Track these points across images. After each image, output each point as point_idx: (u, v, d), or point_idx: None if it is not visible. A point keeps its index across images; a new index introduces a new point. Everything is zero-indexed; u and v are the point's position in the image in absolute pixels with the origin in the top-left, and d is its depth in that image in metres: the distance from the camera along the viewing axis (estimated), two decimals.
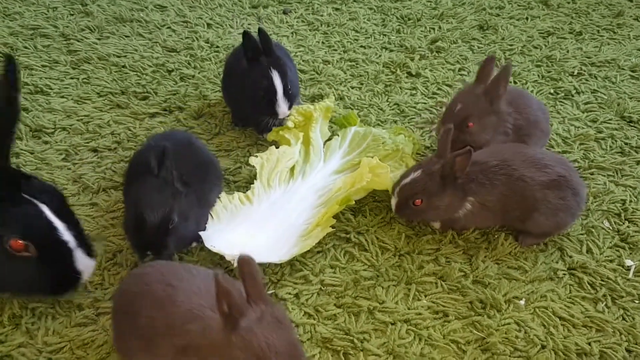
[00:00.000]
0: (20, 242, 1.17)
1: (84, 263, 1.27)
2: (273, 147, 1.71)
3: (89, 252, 1.28)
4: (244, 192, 1.59)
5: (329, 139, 1.82)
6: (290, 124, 1.80)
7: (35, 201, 1.21)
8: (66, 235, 1.23)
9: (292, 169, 1.69)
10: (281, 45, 1.97)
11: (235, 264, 1.38)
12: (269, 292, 1.39)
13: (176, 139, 1.54)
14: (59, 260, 1.23)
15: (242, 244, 1.45)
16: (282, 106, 1.72)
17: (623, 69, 2.27)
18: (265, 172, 1.64)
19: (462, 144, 1.51)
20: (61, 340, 1.28)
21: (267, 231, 1.51)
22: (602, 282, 1.47)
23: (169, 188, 1.35)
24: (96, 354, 1.25)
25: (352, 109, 2.00)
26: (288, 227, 1.53)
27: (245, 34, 1.70)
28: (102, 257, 1.45)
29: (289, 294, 1.40)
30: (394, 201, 1.51)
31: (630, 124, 2.00)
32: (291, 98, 1.74)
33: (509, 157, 1.45)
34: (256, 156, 1.67)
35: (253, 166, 1.64)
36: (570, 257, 1.52)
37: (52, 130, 1.87)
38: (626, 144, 1.90)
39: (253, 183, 1.61)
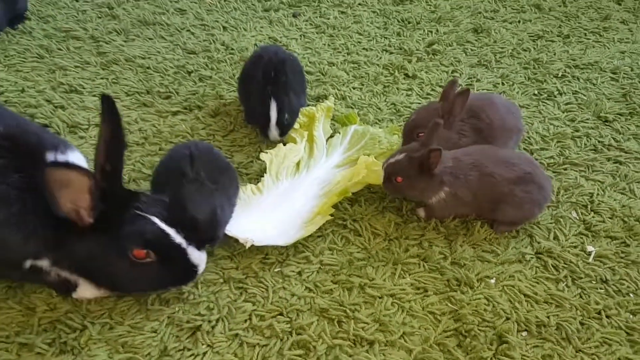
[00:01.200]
0: (142, 251, 1.37)
1: (197, 257, 1.46)
2: (281, 144, 1.94)
3: (199, 247, 1.48)
4: (255, 184, 1.82)
5: (331, 136, 2.05)
6: (296, 125, 2.02)
7: (147, 215, 1.39)
8: (177, 238, 1.41)
9: (298, 163, 1.91)
10: (296, 60, 2.16)
11: (248, 246, 1.63)
12: (276, 270, 1.63)
13: (197, 148, 1.73)
14: (176, 261, 1.43)
15: (253, 229, 1.67)
16: (273, 132, 1.94)
17: (604, 71, 2.46)
18: (274, 166, 1.87)
19: None
20: (101, 308, 1.51)
21: (275, 218, 1.72)
22: (565, 265, 1.68)
23: (204, 188, 1.56)
24: (131, 319, 1.48)
25: (352, 108, 2.22)
26: (293, 214, 1.74)
27: (280, 64, 1.91)
28: None
29: (293, 271, 1.62)
30: (382, 175, 1.74)
31: (606, 123, 2.20)
32: (284, 127, 1.94)
33: (481, 157, 1.68)
34: (266, 152, 1.90)
35: (263, 161, 1.87)
36: (539, 242, 1.74)
37: (87, 126, 2.10)
38: (599, 142, 2.11)
39: (263, 176, 1.84)
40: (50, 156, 1.43)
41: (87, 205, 1.30)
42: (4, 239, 1.33)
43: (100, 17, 2.72)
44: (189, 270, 1.47)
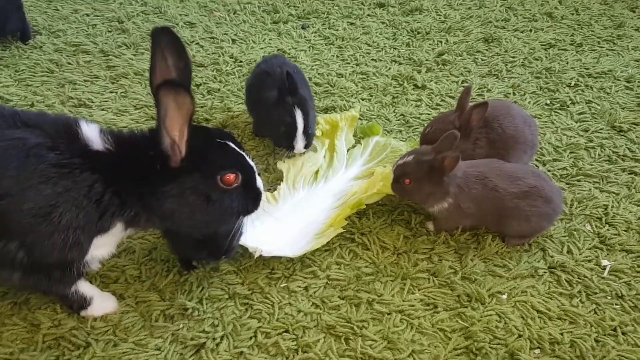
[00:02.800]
0: (232, 175, 1.33)
1: (260, 182, 1.46)
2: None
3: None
4: (272, 193, 1.80)
5: (353, 147, 2.03)
6: (318, 132, 2.00)
7: (225, 141, 1.38)
8: (251, 161, 1.42)
9: (317, 172, 1.90)
10: (300, 70, 2.16)
11: (256, 256, 1.60)
12: (282, 285, 1.61)
13: None
14: (251, 183, 1.42)
15: (264, 238, 1.65)
16: (300, 143, 1.89)
17: (619, 79, 2.42)
18: (291, 175, 1.85)
19: None
20: (106, 324, 1.50)
21: (288, 229, 1.71)
22: (579, 280, 1.64)
23: None
24: (135, 337, 1.47)
25: (361, 119, 2.20)
26: (307, 225, 1.73)
27: (289, 75, 1.88)
28: (139, 253, 1.68)
29: (299, 287, 1.60)
30: (391, 177, 1.72)
31: (620, 133, 2.15)
32: (309, 137, 1.91)
33: (486, 170, 1.65)
34: (283, 161, 1.88)
35: (271, 172, 1.85)
36: (552, 257, 1.69)
37: None
38: (614, 152, 2.06)
39: (270, 188, 1.82)
40: (83, 125, 1.33)
41: (183, 137, 1.25)
42: (59, 218, 1.25)
43: (110, 31, 2.74)
44: (258, 195, 1.45)
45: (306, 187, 1.84)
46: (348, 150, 2.00)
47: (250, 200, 1.44)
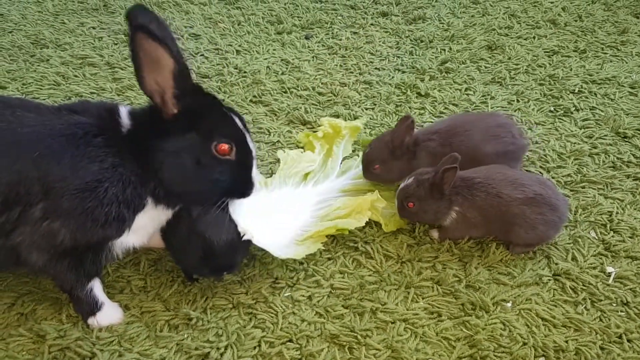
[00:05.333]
0: (226, 145, 1.36)
1: (256, 175, 1.47)
2: (299, 150, 1.96)
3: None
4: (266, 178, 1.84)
5: (349, 157, 2.03)
6: (320, 133, 2.02)
7: (231, 114, 1.42)
8: (252, 145, 1.44)
9: (307, 174, 1.90)
10: None
11: (245, 238, 1.52)
12: (286, 294, 1.61)
13: None
14: (248, 166, 1.44)
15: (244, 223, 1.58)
16: None
17: (623, 85, 2.41)
18: (286, 167, 1.87)
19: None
20: (111, 335, 1.50)
21: (268, 219, 1.68)
22: (584, 287, 1.63)
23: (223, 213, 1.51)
24: (140, 347, 1.47)
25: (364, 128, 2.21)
26: (285, 223, 1.72)
27: None
28: (145, 264, 1.69)
29: (303, 296, 1.60)
30: (396, 202, 1.73)
31: (625, 139, 2.14)
32: None
33: (489, 176, 1.66)
34: (284, 151, 1.90)
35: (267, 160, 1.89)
36: (556, 264, 1.69)
37: None
38: (618, 158, 2.05)
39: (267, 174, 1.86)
40: (122, 109, 1.41)
41: (171, 91, 1.29)
42: (104, 193, 1.31)
43: (116, 44, 2.76)
44: (249, 184, 1.47)
45: (295, 185, 1.85)
46: (344, 159, 2.00)
47: (240, 184, 1.45)
